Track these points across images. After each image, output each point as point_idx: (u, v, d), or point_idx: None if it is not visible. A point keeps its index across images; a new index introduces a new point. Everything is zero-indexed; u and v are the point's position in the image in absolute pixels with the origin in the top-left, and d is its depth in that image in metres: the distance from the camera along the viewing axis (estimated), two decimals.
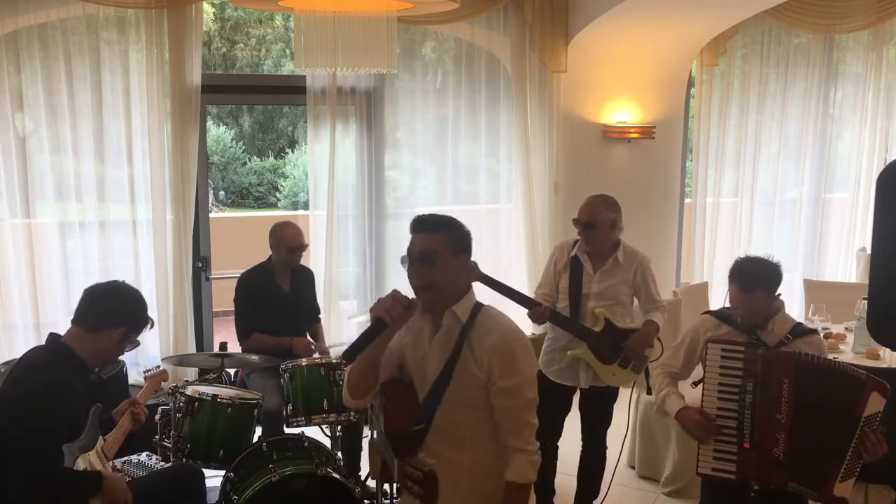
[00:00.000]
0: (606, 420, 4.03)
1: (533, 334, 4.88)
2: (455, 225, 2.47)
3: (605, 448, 4.05)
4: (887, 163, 2.98)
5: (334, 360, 4.05)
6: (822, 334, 4.55)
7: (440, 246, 2.40)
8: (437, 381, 2.42)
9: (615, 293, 3.87)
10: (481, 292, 2.67)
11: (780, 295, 3.07)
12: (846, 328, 4.71)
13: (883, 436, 2.74)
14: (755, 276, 2.98)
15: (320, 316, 4.94)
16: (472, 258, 2.55)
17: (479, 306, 2.49)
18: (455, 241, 2.44)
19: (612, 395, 3.99)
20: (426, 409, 2.43)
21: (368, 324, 2.39)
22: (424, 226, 2.44)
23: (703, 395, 2.95)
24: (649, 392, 3.68)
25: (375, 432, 2.60)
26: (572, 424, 4.05)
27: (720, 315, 3.18)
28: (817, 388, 2.78)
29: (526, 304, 3.80)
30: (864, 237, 7.10)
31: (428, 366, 2.47)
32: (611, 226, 3.82)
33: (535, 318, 3.79)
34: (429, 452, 2.43)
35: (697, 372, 3.16)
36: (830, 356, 3.15)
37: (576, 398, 4.04)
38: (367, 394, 2.48)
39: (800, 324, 3.11)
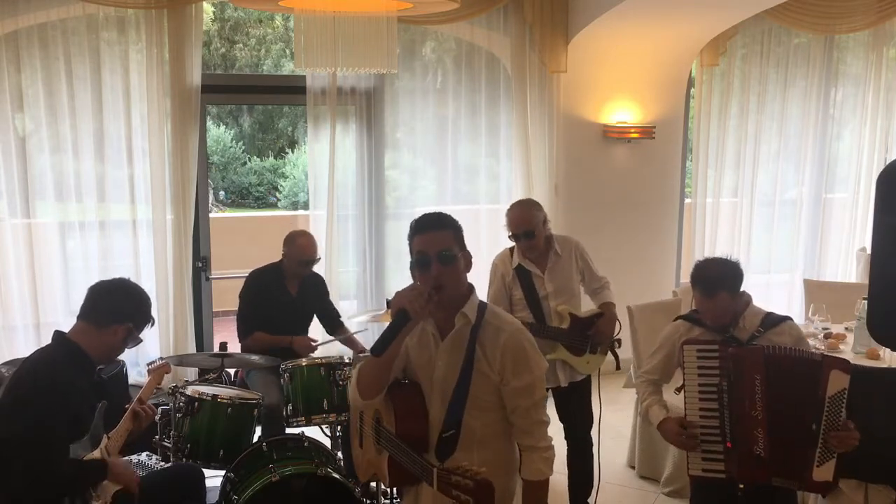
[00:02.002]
0: (589, 417, 4.06)
1: None
2: (455, 221, 2.45)
3: (592, 445, 4.09)
4: (887, 163, 2.97)
5: (334, 360, 4.05)
6: (822, 334, 4.56)
7: (453, 243, 2.38)
8: (458, 384, 2.39)
9: (568, 285, 3.96)
10: None
11: (743, 291, 3.08)
12: (846, 328, 4.70)
13: (853, 429, 2.74)
14: (714, 280, 3.00)
15: (342, 320, 4.77)
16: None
17: (483, 305, 2.47)
18: (459, 236, 2.43)
19: (587, 387, 4.04)
20: (453, 414, 2.39)
21: (366, 323, 2.35)
22: (436, 224, 2.39)
23: (685, 397, 2.96)
24: (618, 367, 4.08)
25: (381, 437, 2.55)
26: (556, 425, 4.05)
27: (690, 318, 3.19)
28: (786, 380, 2.79)
29: None
30: (864, 237, 7.10)
31: (436, 368, 2.44)
32: (543, 224, 3.90)
33: None
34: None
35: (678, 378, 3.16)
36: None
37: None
38: (378, 393, 2.44)
39: (770, 314, 3.10)
